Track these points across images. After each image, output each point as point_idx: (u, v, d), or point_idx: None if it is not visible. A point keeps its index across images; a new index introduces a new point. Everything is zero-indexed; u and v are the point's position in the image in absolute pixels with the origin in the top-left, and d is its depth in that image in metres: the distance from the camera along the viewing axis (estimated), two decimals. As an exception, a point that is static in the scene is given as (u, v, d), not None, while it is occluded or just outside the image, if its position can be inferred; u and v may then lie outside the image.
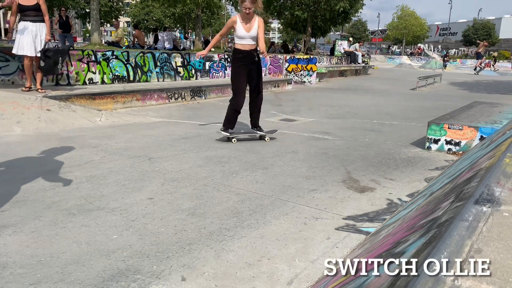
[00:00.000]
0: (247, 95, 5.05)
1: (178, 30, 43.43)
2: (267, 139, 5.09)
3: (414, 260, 0.92)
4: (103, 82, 8.20)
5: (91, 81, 8.00)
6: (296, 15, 23.95)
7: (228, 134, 4.94)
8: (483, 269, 0.81)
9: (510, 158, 1.61)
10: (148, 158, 4.14)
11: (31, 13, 6.07)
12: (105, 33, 55.51)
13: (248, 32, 4.67)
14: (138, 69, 8.97)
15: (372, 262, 1.29)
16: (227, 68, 11.74)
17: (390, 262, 1.09)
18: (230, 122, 4.98)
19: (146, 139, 5.02)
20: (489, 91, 13.11)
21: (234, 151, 4.56)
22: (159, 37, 14.78)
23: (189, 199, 3.04)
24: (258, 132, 5.13)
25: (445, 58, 32.49)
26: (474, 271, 0.80)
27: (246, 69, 4.79)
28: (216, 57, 11.35)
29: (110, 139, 4.94)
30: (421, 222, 1.36)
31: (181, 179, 3.51)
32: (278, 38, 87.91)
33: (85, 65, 7.87)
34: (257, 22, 4.68)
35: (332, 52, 22.78)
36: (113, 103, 7.06)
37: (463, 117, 5.22)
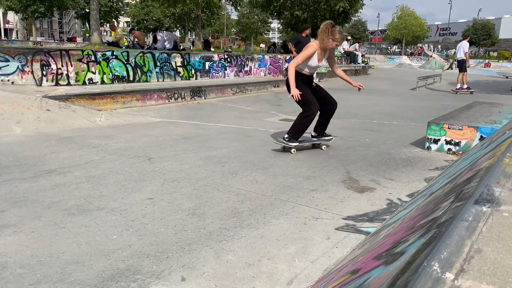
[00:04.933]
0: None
1: (177, 30, 43.45)
2: (324, 148, 4.89)
3: (414, 260, 0.92)
4: (103, 82, 8.20)
5: (91, 81, 8.00)
6: (296, 15, 23.94)
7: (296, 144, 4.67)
8: (483, 269, 0.81)
9: (510, 158, 1.61)
10: (148, 158, 4.14)
11: None
12: (105, 33, 55.54)
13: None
14: (138, 69, 8.97)
15: (372, 262, 1.29)
16: (227, 68, 11.75)
17: (390, 262, 1.09)
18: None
19: (146, 139, 5.02)
20: (489, 91, 13.11)
21: (234, 151, 4.56)
22: (159, 37, 14.76)
23: (189, 199, 3.04)
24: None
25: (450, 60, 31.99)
26: (474, 271, 0.80)
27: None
28: (216, 57, 11.35)
29: (110, 139, 4.94)
30: (421, 222, 1.36)
31: (181, 179, 3.51)
32: (278, 38, 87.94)
33: (85, 65, 7.88)
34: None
35: (332, 52, 22.74)
36: (113, 103, 7.06)
37: (463, 117, 5.22)
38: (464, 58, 12.27)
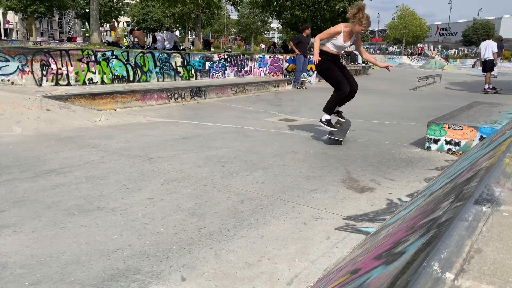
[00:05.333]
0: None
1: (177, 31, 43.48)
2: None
3: (414, 260, 0.92)
4: (103, 82, 8.21)
5: (91, 81, 8.00)
6: (296, 15, 23.94)
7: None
8: (483, 269, 0.81)
9: (510, 158, 1.61)
10: (148, 158, 4.14)
11: None
12: (105, 33, 55.59)
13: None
14: (138, 69, 8.97)
15: (372, 262, 1.29)
16: (227, 68, 11.75)
17: (390, 262, 1.09)
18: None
19: (146, 139, 5.02)
20: (489, 91, 13.09)
21: (234, 151, 4.56)
22: (158, 37, 14.75)
23: (189, 199, 3.04)
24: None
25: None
26: (474, 271, 0.80)
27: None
28: (216, 57, 11.35)
29: (110, 139, 4.94)
30: (421, 222, 1.36)
31: (181, 179, 3.51)
32: (278, 38, 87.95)
33: (85, 65, 7.87)
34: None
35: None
36: (113, 103, 7.06)
37: (463, 117, 5.22)
38: (493, 58, 12.34)
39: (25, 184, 3.25)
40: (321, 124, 5.18)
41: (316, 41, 4.98)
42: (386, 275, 0.97)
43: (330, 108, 5.15)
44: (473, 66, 31.74)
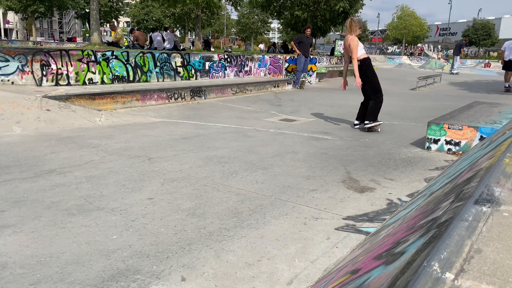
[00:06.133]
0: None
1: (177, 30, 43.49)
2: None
3: (414, 260, 0.92)
4: (103, 82, 8.20)
5: (91, 81, 8.00)
6: (296, 15, 23.98)
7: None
8: (483, 269, 0.81)
9: (510, 158, 1.61)
10: (148, 158, 4.14)
11: None
12: (105, 33, 55.60)
13: None
14: (138, 69, 8.97)
15: (372, 262, 1.29)
16: (227, 68, 11.74)
17: (390, 262, 1.09)
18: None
19: (146, 139, 5.02)
20: (489, 91, 13.11)
21: (234, 151, 4.56)
22: (158, 38, 14.74)
23: (189, 199, 3.04)
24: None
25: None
26: (474, 271, 0.80)
27: None
28: (216, 57, 11.35)
29: (110, 139, 4.94)
30: (421, 222, 1.36)
31: (181, 179, 3.51)
32: (278, 38, 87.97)
33: (85, 65, 7.87)
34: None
35: (332, 52, 22.80)
36: (113, 103, 7.06)
37: (463, 117, 5.22)
38: None
39: (25, 184, 3.25)
40: (368, 129, 5.86)
41: (355, 63, 5.74)
42: (386, 275, 0.97)
43: (374, 115, 5.80)
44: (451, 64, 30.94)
